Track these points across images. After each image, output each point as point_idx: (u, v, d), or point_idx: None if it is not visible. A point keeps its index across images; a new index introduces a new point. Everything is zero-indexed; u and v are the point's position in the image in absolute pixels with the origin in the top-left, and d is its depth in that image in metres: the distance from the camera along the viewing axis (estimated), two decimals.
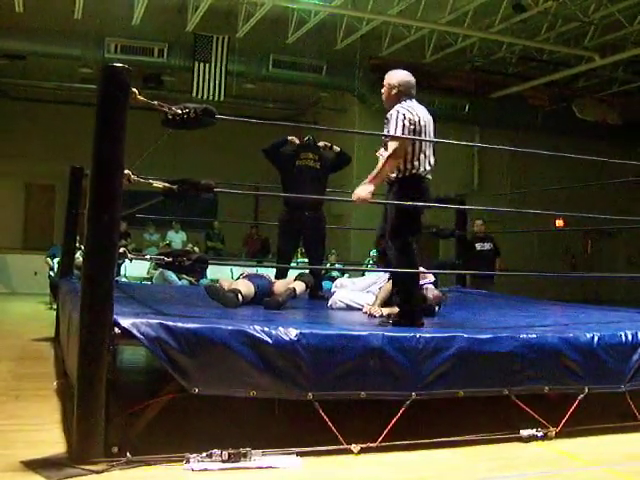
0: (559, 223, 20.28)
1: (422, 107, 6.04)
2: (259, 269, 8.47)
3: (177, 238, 18.05)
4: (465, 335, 5.22)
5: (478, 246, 12.27)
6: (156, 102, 4.89)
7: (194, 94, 17.49)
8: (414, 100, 6.03)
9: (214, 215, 19.76)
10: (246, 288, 7.03)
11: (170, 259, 5.01)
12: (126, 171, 4.60)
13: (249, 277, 7.45)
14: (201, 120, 4.97)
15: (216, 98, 17.44)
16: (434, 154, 6.05)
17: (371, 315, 6.73)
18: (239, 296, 6.76)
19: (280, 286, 7.26)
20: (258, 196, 22.28)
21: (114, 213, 4.47)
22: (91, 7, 16.42)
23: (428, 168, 5.97)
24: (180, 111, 4.92)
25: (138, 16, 16.56)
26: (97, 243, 4.47)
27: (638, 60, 18.89)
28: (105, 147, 4.52)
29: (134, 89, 4.61)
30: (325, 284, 10.12)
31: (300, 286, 7.30)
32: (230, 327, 4.64)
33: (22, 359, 8.52)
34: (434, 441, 5.00)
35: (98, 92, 4.63)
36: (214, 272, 13.53)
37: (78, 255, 10.86)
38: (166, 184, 4.92)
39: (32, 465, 4.31)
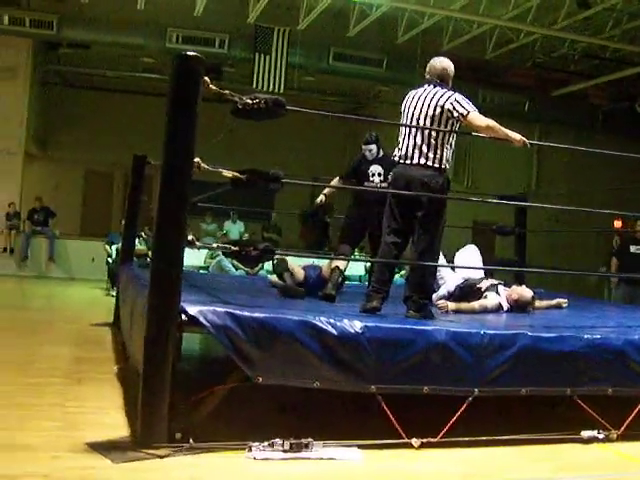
0: (617, 224, 19.99)
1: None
2: (315, 260, 8.52)
3: (234, 228, 18.12)
4: (529, 333, 5.18)
5: (633, 248, 11.76)
6: (227, 91, 4.91)
7: (254, 85, 17.55)
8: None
9: (271, 206, 19.80)
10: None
11: (237, 248, 5.04)
12: (196, 159, 4.63)
13: (305, 268, 7.68)
14: (271, 111, 4.99)
15: (276, 90, 17.49)
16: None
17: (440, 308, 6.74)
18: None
19: (326, 270, 7.44)
20: (315, 189, 22.25)
21: (184, 201, 4.51)
22: None
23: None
24: (250, 101, 4.93)
25: (200, 7, 16.66)
26: (167, 231, 4.52)
27: None
28: (177, 135, 4.56)
29: (206, 78, 4.63)
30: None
31: (342, 263, 7.48)
32: (296, 318, 4.67)
33: (83, 343, 8.64)
34: (495, 438, 4.97)
35: (170, 81, 4.66)
36: (270, 263, 13.54)
37: (138, 242, 11.01)
38: (235, 173, 4.94)
39: (97, 447, 4.38)
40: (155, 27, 17.99)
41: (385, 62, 19.15)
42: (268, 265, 13.18)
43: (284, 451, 4.44)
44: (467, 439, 4.86)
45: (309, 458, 4.44)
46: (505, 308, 7.24)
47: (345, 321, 4.72)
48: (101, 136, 21.98)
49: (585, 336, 5.36)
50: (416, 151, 5.90)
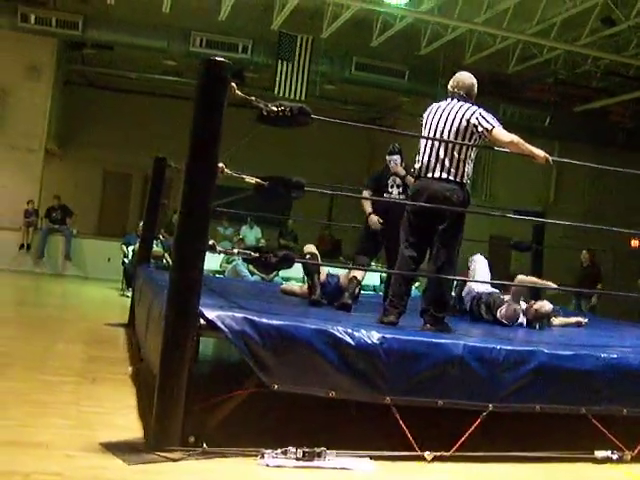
0: (634, 243, 19.94)
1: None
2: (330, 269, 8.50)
3: (251, 234, 18.16)
4: (546, 350, 5.17)
5: None
6: (253, 98, 4.93)
7: (276, 92, 17.59)
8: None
9: (288, 213, 19.80)
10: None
11: (257, 254, 5.05)
12: (220, 164, 4.64)
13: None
14: (296, 119, 5.00)
15: (297, 97, 17.53)
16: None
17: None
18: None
19: (344, 279, 7.44)
20: (333, 198, 22.30)
21: (207, 205, 4.52)
22: (179, 1, 16.64)
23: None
24: (276, 108, 4.95)
25: (225, 12, 16.71)
26: (188, 234, 4.53)
27: None
28: (202, 140, 4.58)
29: (233, 84, 4.65)
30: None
31: (360, 274, 7.49)
32: (314, 326, 4.67)
33: (97, 342, 8.68)
34: (507, 454, 4.96)
35: (197, 84, 4.68)
36: (287, 270, 13.56)
37: (155, 244, 11.04)
38: (258, 180, 4.95)
39: (111, 448, 4.39)
40: (179, 30, 18.10)
41: (407, 73, 19.17)
42: (283, 272, 13.22)
43: (297, 459, 4.43)
44: (480, 454, 4.85)
45: (322, 467, 4.43)
46: (523, 321, 7.25)
47: (362, 331, 4.72)
48: (121, 137, 22.12)
49: (602, 355, 5.33)
50: (438, 165, 5.89)
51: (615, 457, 5.26)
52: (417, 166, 6.07)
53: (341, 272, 7.73)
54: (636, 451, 5.28)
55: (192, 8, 17.26)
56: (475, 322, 7.38)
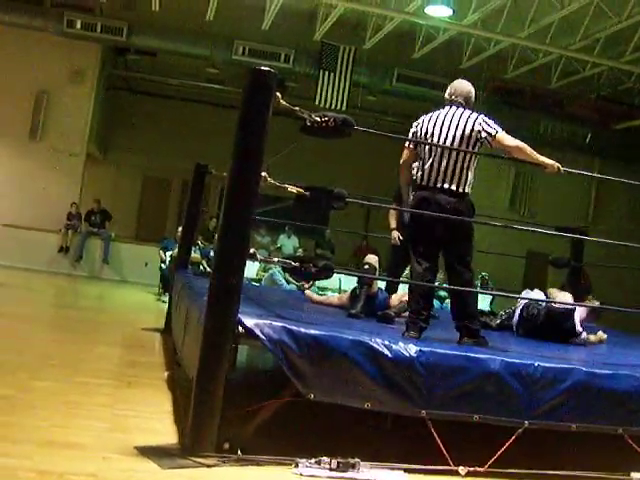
0: None
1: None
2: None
3: (289, 243, 18.17)
4: (584, 369, 5.13)
5: None
6: (297, 108, 4.96)
7: (317, 102, 17.61)
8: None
9: (326, 223, 19.78)
10: None
11: (297, 264, 5.06)
12: (263, 173, 4.67)
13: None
14: (339, 130, 5.02)
15: (338, 107, 17.54)
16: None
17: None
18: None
19: (395, 299, 7.31)
20: (369, 208, 22.28)
21: (249, 213, 4.56)
22: (223, 9, 16.72)
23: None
24: (319, 119, 4.97)
25: (268, 21, 16.80)
26: (230, 242, 4.57)
27: None
28: (246, 148, 4.61)
29: (278, 93, 4.68)
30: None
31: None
32: (352, 337, 4.68)
33: (134, 346, 8.75)
34: (541, 472, 4.91)
35: (243, 93, 4.73)
36: (323, 281, 13.59)
37: (193, 250, 11.10)
38: (300, 189, 4.97)
39: (146, 452, 4.43)
40: (222, 38, 18.18)
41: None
42: (319, 282, 13.24)
43: (330, 469, 4.44)
44: (514, 471, 4.82)
45: (355, 478, 4.44)
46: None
47: (400, 344, 4.72)
48: (161, 142, 22.29)
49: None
50: (441, 175, 5.73)
51: None
52: (418, 175, 5.87)
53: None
54: None
55: (236, 16, 17.35)
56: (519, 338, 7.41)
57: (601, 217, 21.37)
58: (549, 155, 6.15)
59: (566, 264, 9.70)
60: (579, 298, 9.42)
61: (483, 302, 14.41)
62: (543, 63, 17.81)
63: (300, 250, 17.49)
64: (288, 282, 13.42)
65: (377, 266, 7.44)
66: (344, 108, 17.53)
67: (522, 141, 5.87)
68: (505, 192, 20.11)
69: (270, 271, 13.58)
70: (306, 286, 12.40)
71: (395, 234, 7.72)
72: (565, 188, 19.16)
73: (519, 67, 18.14)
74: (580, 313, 7.53)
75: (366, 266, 7.34)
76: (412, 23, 16.70)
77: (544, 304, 7.54)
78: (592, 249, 16.82)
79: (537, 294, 8.11)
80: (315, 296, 8.70)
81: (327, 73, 17.63)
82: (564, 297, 7.75)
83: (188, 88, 22.13)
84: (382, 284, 8.24)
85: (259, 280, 14.08)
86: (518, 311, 7.74)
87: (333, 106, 17.46)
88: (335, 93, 17.64)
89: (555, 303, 7.53)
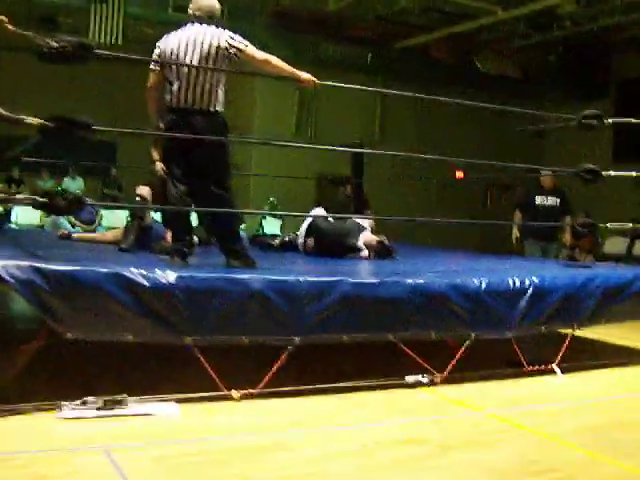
0: (459, 175, 20.42)
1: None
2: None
3: (73, 185, 17.44)
4: (350, 280, 5.16)
5: (539, 199, 10.64)
6: (31, 33, 4.61)
7: (90, 37, 16.83)
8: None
9: (112, 161, 19.06)
10: None
11: (45, 199, 4.74)
12: None
13: None
14: (78, 55, 4.72)
15: (113, 41, 16.84)
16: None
17: None
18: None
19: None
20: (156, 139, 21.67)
21: None
22: None
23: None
24: (56, 44, 4.65)
25: None
26: None
27: (537, 15, 19.00)
28: None
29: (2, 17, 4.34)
30: None
31: None
32: (105, 270, 4.47)
33: None
34: (319, 387, 4.98)
35: None
36: (110, 220, 13.26)
37: None
38: (42, 121, 4.64)
39: None
40: None
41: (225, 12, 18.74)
42: (106, 222, 12.89)
43: (97, 409, 4.29)
44: (289, 389, 4.85)
45: (124, 415, 4.31)
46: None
47: (157, 272, 4.56)
48: None
49: (408, 281, 5.39)
50: (190, 96, 5.54)
51: (425, 380, 5.42)
52: (167, 98, 5.63)
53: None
54: (445, 373, 5.42)
55: None
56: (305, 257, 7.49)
57: (388, 134, 21.81)
58: (330, 78, 6.10)
59: (345, 182, 9.85)
60: (360, 212, 9.63)
61: (273, 226, 14.54)
62: None
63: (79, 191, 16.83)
64: (73, 225, 12.97)
65: (150, 198, 7.23)
66: (120, 42, 16.87)
67: (303, 67, 5.76)
68: (291, 116, 20.10)
69: (52, 215, 13.03)
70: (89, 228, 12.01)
71: (159, 165, 7.44)
72: (350, 109, 19.45)
73: None
74: (368, 228, 7.71)
75: (137, 198, 7.12)
76: None
77: (329, 222, 7.64)
78: (380, 169, 17.35)
79: (319, 211, 8.20)
80: (86, 235, 8.39)
81: (99, 5, 16.85)
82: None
83: None
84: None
85: (42, 226, 13.53)
86: (303, 231, 7.81)
87: (108, 40, 16.73)
88: (109, 26, 16.94)
89: (338, 219, 7.64)
